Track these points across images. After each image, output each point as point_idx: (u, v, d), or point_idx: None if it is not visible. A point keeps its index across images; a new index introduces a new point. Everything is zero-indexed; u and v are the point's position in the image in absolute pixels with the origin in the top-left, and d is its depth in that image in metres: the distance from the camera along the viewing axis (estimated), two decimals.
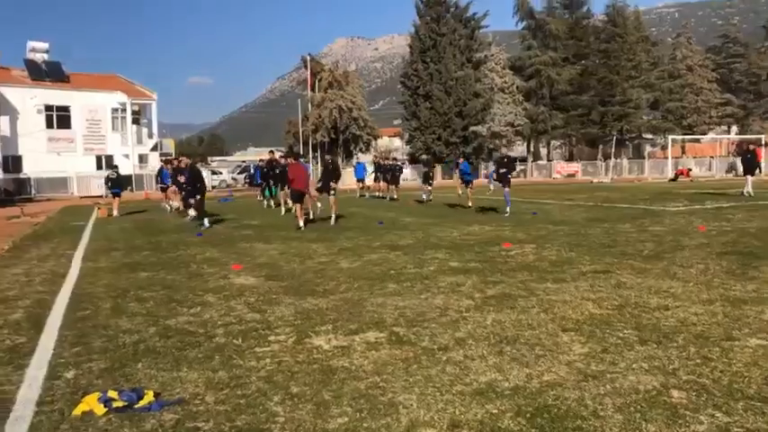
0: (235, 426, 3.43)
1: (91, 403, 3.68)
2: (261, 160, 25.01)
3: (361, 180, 28.74)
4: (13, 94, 40.81)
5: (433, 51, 49.89)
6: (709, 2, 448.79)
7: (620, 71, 52.63)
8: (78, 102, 43.11)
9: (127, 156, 43.34)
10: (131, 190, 36.54)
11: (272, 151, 23.15)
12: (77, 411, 3.62)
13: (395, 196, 23.71)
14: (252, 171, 40.05)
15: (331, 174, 15.40)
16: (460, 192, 19.96)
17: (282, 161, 18.45)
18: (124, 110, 44.93)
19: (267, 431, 3.35)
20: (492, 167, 20.65)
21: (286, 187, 16.72)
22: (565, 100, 53.19)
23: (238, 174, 48.37)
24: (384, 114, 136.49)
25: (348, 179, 32.63)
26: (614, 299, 6.10)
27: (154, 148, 46.83)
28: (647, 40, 57.70)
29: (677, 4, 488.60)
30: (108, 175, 20.97)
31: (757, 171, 21.06)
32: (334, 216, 14.59)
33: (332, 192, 14.99)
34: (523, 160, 54.23)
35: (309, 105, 49.61)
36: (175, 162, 20.42)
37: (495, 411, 3.49)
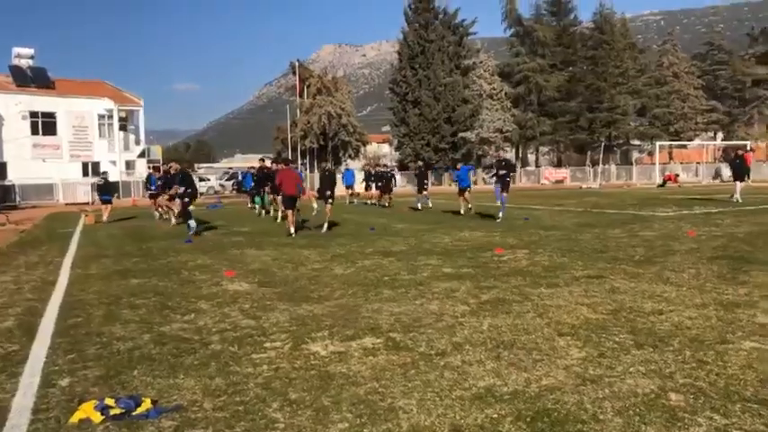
0: None
1: (88, 411, 3.64)
2: (251, 167, 24.85)
3: (349, 186, 28.72)
4: None
5: (421, 58, 50.10)
6: (694, 9, 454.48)
7: (608, 78, 53.09)
8: (64, 108, 42.83)
9: (114, 162, 43.07)
10: (118, 197, 36.28)
11: (262, 159, 23.09)
12: (74, 419, 3.58)
13: (386, 204, 23.65)
14: (240, 178, 39.92)
15: (329, 181, 15.32)
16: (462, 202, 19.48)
17: (273, 167, 18.39)
18: (111, 116, 44.69)
19: None
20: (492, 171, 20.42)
21: (278, 194, 16.49)
22: (553, 106, 53.56)
23: (226, 180, 48.16)
24: (372, 120, 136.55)
25: (338, 186, 32.57)
26: (609, 303, 6.13)
27: (141, 155, 46.58)
28: (634, 47, 58.23)
29: (662, 11, 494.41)
30: (96, 182, 20.81)
31: (746, 177, 21.17)
32: (326, 224, 14.53)
33: (329, 200, 14.88)
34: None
35: (298, 111, 49.57)
36: (165, 168, 20.29)
37: (496, 416, 3.50)
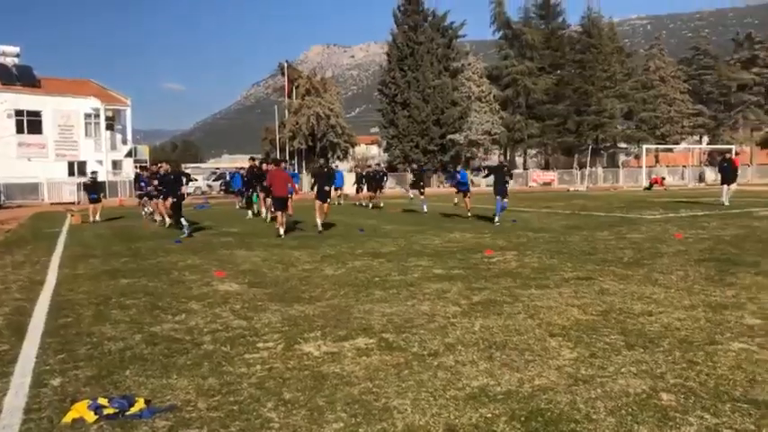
0: None
1: (81, 410, 3.62)
2: (241, 168, 24.68)
3: (339, 188, 28.65)
4: None
5: (410, 59, 50.18)
6: (680, 14, 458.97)
7: (595, 81, 53.48)
8: (50, 107, 42.38)
9: (100, 162, 42.67)
10: (104, 196, 35.96)
11: (252, 158, 22.96)
12: (67, 419, 3.56)
13: (380, 204, 23.65)
14: (228, 178, 39.72)
15: (327, 179, 15.22)
16: (456, 201, 19.80)
17: (264, 167, 18.26)
18: (97, 115, 44.30)
19: None
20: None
21: (269, 195, 16.31)
22: (541, 109, 53.87)
23: (213, 181, 47.94)
24: (361, 122, 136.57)
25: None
26: (598, 305, 6.19)
27: (128, 155, 46.22)
28: (622, 51, 58.68)
29: (649, 16, 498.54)
30: (85, 181, 20.65)
31: (734, 180, 21.26)
32: (320, 222, 14.46)
33: (327, 198, 14.81)
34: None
35: (287, 112, 49.47)
36: (154, 167, 20.13)
37: (490, 415, 3.52)
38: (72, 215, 19.79)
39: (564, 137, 54.57)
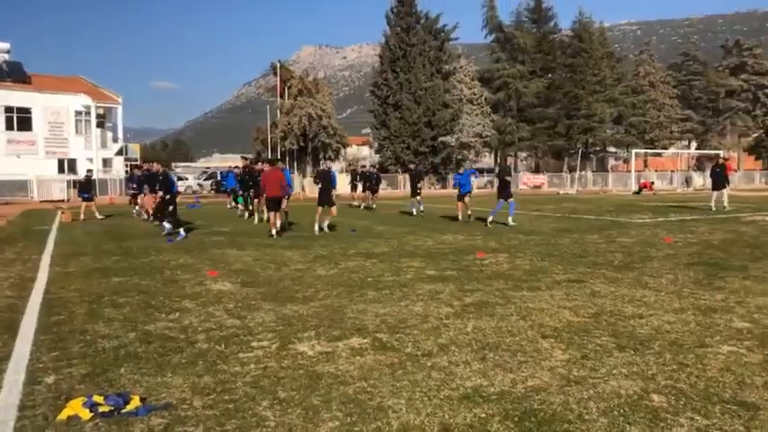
0: (225, 430, 3.42)
1: (76, 408, 3.62)
2: (236, 167, 24.55)
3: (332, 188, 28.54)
4: None
5: (402, 61, 50.28)
6: (670, 20, 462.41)
7: (586, 85, 53.84)
8: (40, 103, 42.14)
9: (91, 160, 42.46)
10: (95, 194, 35.75)
11: (244, 158, 22.91)
12: (62, 416, 3.56)
13: (373, 206, 23.65)
14: (219, 177, 39.60)
15: (331, 183, 15.32)
16: (469, 213, 19.19)
17: (258, 167, 18.21)
18: (88, 113, 44.09)
19: None
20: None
21: (262, 195, 16.20)
22: (532, 112, 54.12)
23: (204, 180, 47.78)
24: (352, 123, 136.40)
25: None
26: (590, 307, 6.25)
27: (119, 153, 46.01)
28: (612, 56, 59.09)
29: (639, 21, 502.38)
30: (79, 179, 20.57)
31: (726, 186, 21.35)
32: (327, 222, 14.53)
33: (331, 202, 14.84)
34: (490, 171, 54.91)
35: (278, 112, 49.40)
36: (146, 166, 20.07)
37: (484, 415, 3.56)
38: (62, 213, 19.69)
39: (554, 140, 54.88)
